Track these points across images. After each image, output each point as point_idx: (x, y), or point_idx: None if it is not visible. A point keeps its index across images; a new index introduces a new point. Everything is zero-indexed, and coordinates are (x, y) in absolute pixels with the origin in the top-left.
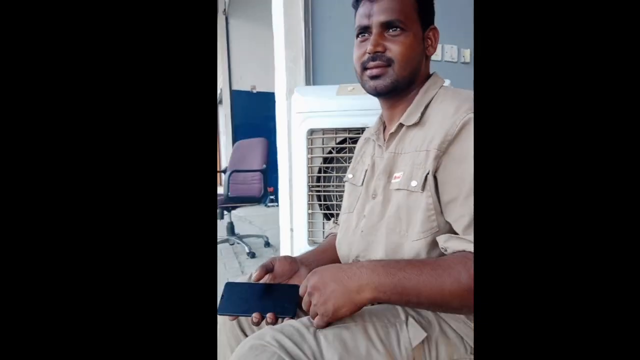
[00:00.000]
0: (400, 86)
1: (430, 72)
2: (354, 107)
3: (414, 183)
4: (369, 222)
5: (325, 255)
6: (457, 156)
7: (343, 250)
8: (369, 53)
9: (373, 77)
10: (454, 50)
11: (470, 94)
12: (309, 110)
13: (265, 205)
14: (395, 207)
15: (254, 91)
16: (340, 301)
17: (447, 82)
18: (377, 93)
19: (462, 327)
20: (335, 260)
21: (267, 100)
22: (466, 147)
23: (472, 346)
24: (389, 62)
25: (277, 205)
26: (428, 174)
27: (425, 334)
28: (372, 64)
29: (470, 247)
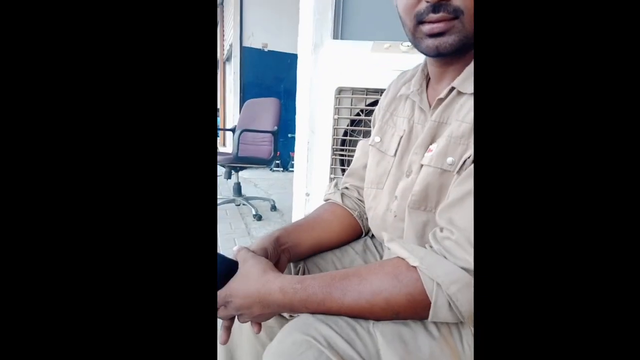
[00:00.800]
0: (469, 43)
1: None
2: (390, 66)
3: (449, 160)
4: (401, 205)
5: (310, 236)
6: None
7: (377, 235)
8: (429, 1)
9: (434, 35)
10: None
11: None
12: (339, 66)
13: (271, 170)
14: (423, 184)
15: (266, 49)
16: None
17: None
18: (438, 54)
19: None
20: (322, 241)
21: (278, 61)
22: None
23: None
24: (456, 14)
25: (282, 170)
26: (469, 157)
27: None
28: (433, 16)
29: (412, 260)
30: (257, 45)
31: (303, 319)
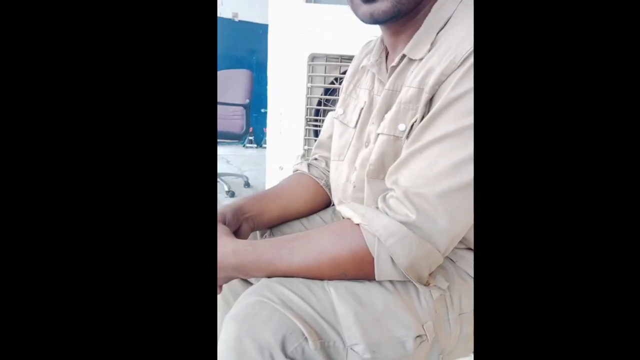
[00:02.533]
0: (404, 8)
1: None
2: (366, 32)
3: (401, 126)
4: (360, 175)
5: (275, 205)
6: (437, 107)
7: (337, 202)
8: None
9: (367, 1)
10: None
11: None
12: (312, 32)
13: (244, 146)
14: (378, 152)
15: (236, 19)
16: None
17: None
18: (374, 20)
19: None
20: (288, 210)
21: (250, 32)
22: (453, 96)
23: None
24: None
25: (256, 147)
26: (416, 121)
27: (446, 284)
28: None
29: (355, 217)
30: (227, 15)
31: (259, 283)
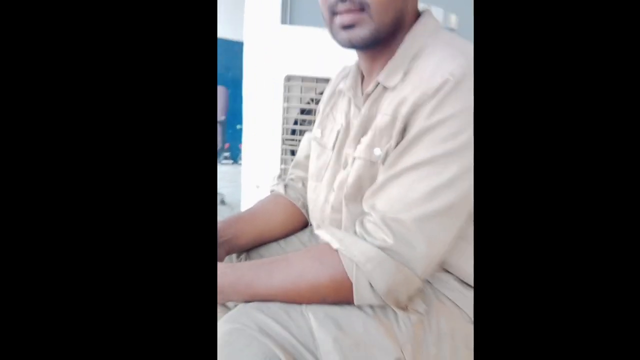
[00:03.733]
0: (381, 36)
1: (420, 9)
2: (341, 55)
3: (377, 151)
4: (338, 197)
5: (251, 228)
6: (412, 135)
7: (315, 226)
8: None
9: (345, 27)
10: (439, 13)
11: (467, 46)
12: (288, 53)
13: (220, 163)
14: (356, 175)
15: None
16: None
17: (451, 21)
18: (352, 46)
19: (459, 297)
20: (264, 232)
21: (226, 48)
22: (427, 125)
23: (470, 316)
24: (362, 6)
25: (232, 163)
26: (391, 147)
27: (424, 307)
28: (341, 7)
29: (333, 242)
30: None
31: (236, 309)
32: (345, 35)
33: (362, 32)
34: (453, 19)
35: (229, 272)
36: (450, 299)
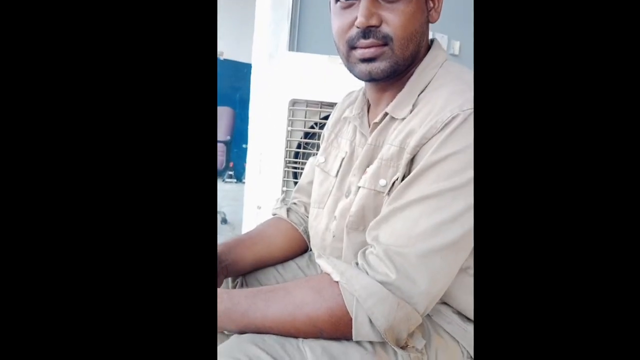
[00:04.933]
0: (400, 69)
1: (430, 40)
2: (345, 81)
3: (382, 182)
4: (340, 225)
5: (251, 252)
6: (419, 168)
7: (316, 255)
8: (359, 27)
9: (366, 60)
10: (444, 40)
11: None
12: (294, 78)
13: (223, 181)
14: (359, 205)
15: (221, 58)
16: None
17: (455, 48)
18: (371, 78)
19: (457, 330)
20: (264, 257)
21: (235, 70)
22: (434, 159)
23: (468, 350)
24: (385, 40)
25: (236, 182)
26: (398, 179)
27: (424, 342)
28: (363, 42)
29: (334, 274)
30: None
31: (229, 341)
32: (365, 68)
33: (382, 65)
34: (457, 46)
35: (225, 298)
36: (448, 333)
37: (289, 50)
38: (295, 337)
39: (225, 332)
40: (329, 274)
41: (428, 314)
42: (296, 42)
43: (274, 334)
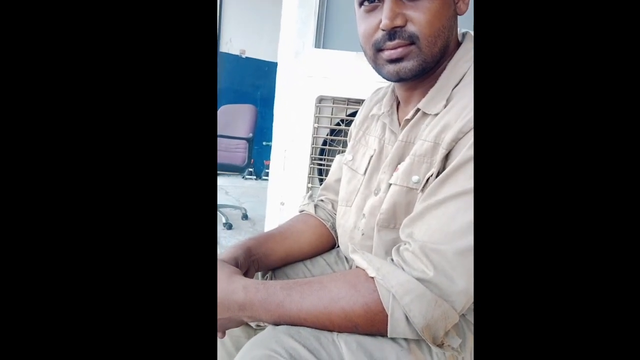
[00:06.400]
0: (429, 67)
1: (460, 33)
2: (372, 77)
3: (415, 178)
4: (369, 223)
5: (281, 246)
6: (455, 163)
7: (345, 253)
8: (384, 29)
9: (393, 61)
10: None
11: None
12: (321, 75)
13: (243, 177)
14: (390, 202)
15: (243, 56)
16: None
17: None
18: (399, 79)
19: None
20: (293, 251)
21: (256, 68)
22: (471, 154)
23: None
24: (412, 40)
25: (255, 178)
26: (432, 175)
27: (459, 340)
28: (390, 44)
29: (370, 270)
30: (234, 51)
31: (265, 333)
32: (392, 68)
33: (410, 64)
34: None
35: (262, 288)
36: None
37: (316, 47)
38: (330, 330)
39: (253, 325)
40: (364, 269)
41: (462, 313)
42: (323, 39)
43: (308, 326)
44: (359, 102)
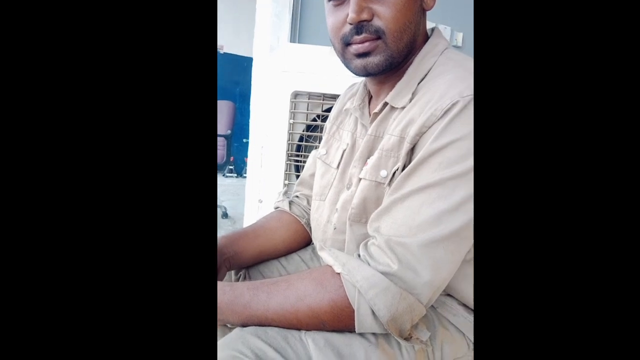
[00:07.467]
0: (396, 61)
1: (429, 27)
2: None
3: (383, 173)
4: (342, 217)
5: (254, 244)
6: (419, 157)
7: (317, 247)
8: (351, 23)
9: (361, 55)
10: (446, 31)
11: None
12: (296, 70)
13: (224, 175)
14: (360, 197)
15: (221, 51)
16: None
17: (458, 39)
18: (367, 73)
19: (463, 322)
20: (267, 249)
21: (234, 64)
22: (434, 147)
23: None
24: (378, 34)
25: (236, 176)
26: (398, 169)
27: (428, 334)
28: (357, 38)
29: (336, 266)
30: None
31: (232, 334)
32: (360, 63)
33: (377, 59)
34: (460, 37)
35: (228, 290)
36: (454, 325)
37: (291, 42)
38: (298, 329)
39: (228, 325)
40: (330, 266)
41: (433, 306)
42: (298, 34)
43: (276, 326)
44: (335, 97)
